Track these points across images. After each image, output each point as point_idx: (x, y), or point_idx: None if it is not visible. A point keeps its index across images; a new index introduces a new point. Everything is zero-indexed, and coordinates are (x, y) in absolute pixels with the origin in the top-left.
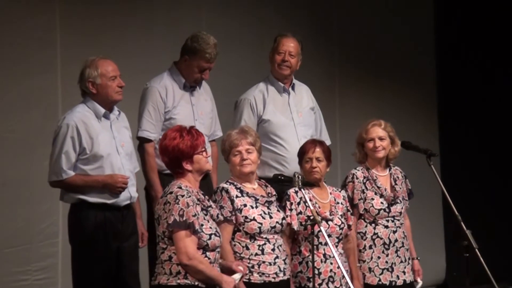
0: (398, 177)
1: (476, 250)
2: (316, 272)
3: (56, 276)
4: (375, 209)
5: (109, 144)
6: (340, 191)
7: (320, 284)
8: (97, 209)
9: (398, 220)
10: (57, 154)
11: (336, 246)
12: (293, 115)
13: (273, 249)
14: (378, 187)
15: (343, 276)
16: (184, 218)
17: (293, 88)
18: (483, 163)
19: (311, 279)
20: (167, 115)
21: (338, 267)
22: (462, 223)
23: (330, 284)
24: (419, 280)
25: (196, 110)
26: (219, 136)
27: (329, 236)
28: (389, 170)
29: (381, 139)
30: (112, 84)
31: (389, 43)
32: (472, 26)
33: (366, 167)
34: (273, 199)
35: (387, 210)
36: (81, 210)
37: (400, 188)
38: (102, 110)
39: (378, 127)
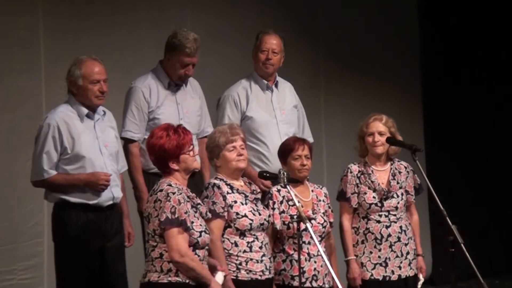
0: (400, 172)
1: (462, 245)
2: (300, 270)
3: (41, 276)
4: (367, 203)
5: (91, 145)
6: (321, 188)
7: (304, 283)
8: (79, 209)
9: (394, 215)
10: (38, 154)
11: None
12: (275, 113)
13: (260, 247)
14: (372, 181)
15: (326, 274)
16: (176, 215)
17: (276, 86)
18: (468, 158)
19: (295, 277)
20: (151, 115)
21: (322, 266)
22: (447, 218)
23: (313, 283)
24: (421, 277)
25: (182, 108)
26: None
27: None
28: (391, 165)
29: (381, 134)
30: (92, 88)
31: (374, 40)
32: (457, 21)
33: (364, 162)
34: (259, 196)
35: (379, 204)
36: (63, 210)
37: (399, 183)
38: (85, 111)
39: (379, 122)
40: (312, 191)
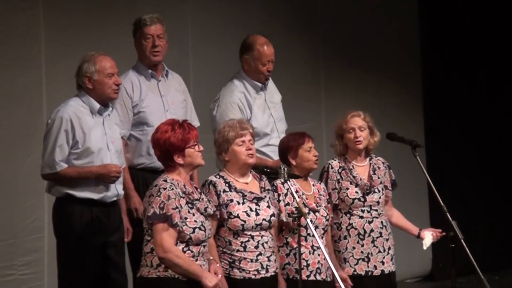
0: (379, 167)
1: (462, 240)
2: (305, 263)
3: (42, 271)
4: (350, 198)
5: (100, 140)
6: (320, 183)
7: (308, 276)
8: (84, 204)
9: (376, 210)
10: (51, 147)
11: (322, 238)
12: (271, 111)
13: (256, 246)
14: (354, 177)
15: (328, 267)
16: (164, 211)
17: (266, 85)
18: (468, 153)
19: (300, 271)
20: (135, 109)
21: (325, 259)
22: (447, 213)
23: (317, 276)
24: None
25: (166, 101)
26: (197, 126)
27: (316, 227)
28: (369, 160)
29: (361, 129)
30: (108, 81)
31: (373, 35)
32: (457, 18)
33: (344, 158)
34: (264, 194)
35: (362, 199)
36: (67, 205)
37: (379, 178)
38: (97, 106)
39: (358, 118)
40: (313, 185)
